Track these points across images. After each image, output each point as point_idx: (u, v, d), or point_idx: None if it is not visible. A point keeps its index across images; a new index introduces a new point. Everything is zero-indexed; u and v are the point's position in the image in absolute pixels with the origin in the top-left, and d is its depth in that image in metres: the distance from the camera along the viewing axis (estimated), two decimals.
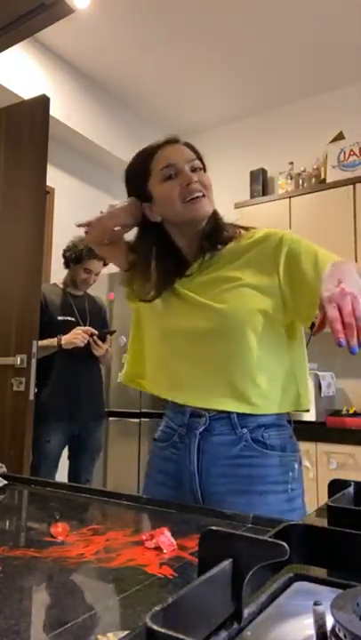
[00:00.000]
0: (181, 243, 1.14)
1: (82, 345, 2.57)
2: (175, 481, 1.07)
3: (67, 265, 2.79)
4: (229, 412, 1.03)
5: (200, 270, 1.11)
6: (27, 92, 3.14)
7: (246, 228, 1.15)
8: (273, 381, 1.05)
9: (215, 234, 1.11)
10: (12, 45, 2.10)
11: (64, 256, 2.78)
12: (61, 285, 2.82)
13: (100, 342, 2.67)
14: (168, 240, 1.14)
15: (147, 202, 1.13)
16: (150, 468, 1.16)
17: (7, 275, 2.64)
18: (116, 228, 1.18)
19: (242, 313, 1.03)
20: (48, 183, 2.81)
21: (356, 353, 0.77)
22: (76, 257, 2.71)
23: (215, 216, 1.12)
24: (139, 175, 1.13)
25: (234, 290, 1.05)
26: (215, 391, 1.04)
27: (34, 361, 2.45)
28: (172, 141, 1.13)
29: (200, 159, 1.14)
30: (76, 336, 2.57)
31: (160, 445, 1.13)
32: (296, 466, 1.06)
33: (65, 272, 2.85)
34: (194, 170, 1.09)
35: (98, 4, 2.95)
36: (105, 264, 2.81)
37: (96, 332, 2.64)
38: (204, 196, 1.07)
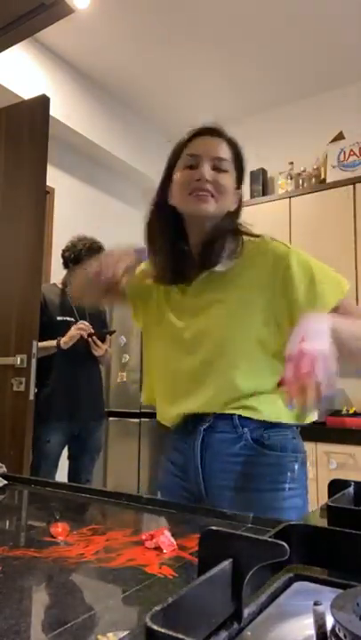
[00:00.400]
0: (191, 238, 1.13)
1: (80, 334, 2.58)
2: (182, 472, 1.11)
3: (66, 265, 2.79)
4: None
5: (199, 290, 1.11)
6: (27, 92, 3.14)
7: (255, 236, 1.12)
8: (276, 400, 1.05)
9: (210, 254, 1.09)
10: (11, 45, 2.11)
11: (63, 256, 2.78)
12: (60, 285, 2.82)
13: (99, 342, 2.67)
14: (183, 231, 1.14)
15: (170, 181, 1.14)
16: (164, 456, 1.19)
17: (7, 275, 2.64)
18: (120, 271, 1.11)
19: (238, 342, 1.04)
20: (48, 183, 2.82)
21: (306, 412, 0.79)
22: (74, 257, 2.71)
23: (220, 230, 1.09)
24: (174, 153, 1.14)
25: (230, 317, 1.06)
26: (215, 409, 1.06)
27: (34, 361, 2.45)
28: (212, 132, 1.12)
29: (238, 160, 1.13)
30: (72, 332, 2.58)
31: (174, 437, 1.16)
32: (296, 466, 1.07)
33: (65, 272, 2.85)
34: (216, 168, 1.07)
35: (98, 4, 2.95)
36: None
37: (92, 330, 2.64)
38: (212, 196, 1.06)
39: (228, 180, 1.09)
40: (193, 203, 1.06)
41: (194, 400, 1.07)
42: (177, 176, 1.11)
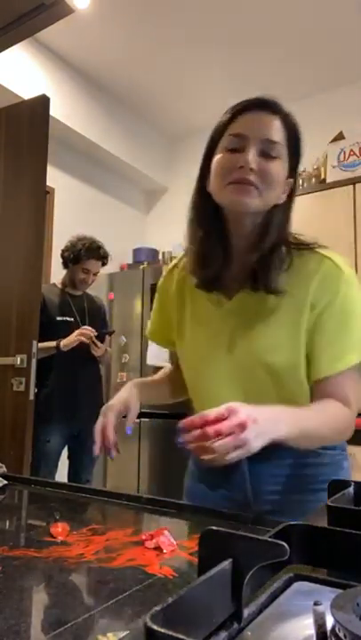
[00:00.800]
0: (233, 238, 0.97)
1: (85, 340, 2.59)
2: (224, 480, 1.04)
3: (65, 265, 2.80)
4: None
5: (239, 306, 0.97)
6: (27, 92, 3.14)
7: (306, 245, 0.95)
8: None
9: (265, 273, 0.91)
10: (12, 45, 2.10)
11: (62, 256, 2.78)
12: (60, 285, 2.82)
13: (98, 342, 2.67)
14: (225, 228, 0.97)
15: (209, 164, 0.95)
16: (192, 461, 1.13)
17: (7, 275, 2.64)
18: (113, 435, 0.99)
19: (292, 371, 0.94)
20: (48, 183, 2.82)
21: (180, 444, 0.73)
22: (74, 257, 2.71)
23: (276, 245, 0.92)
24: (216, 131, 0.95)
25: (281, 344, 0.94)
26: None
27: (34, 361, 2.45)
28: (264, 106, 0.91)
29: (294, 143, 0.93)
30: (74, 337, 2.59)
31: None
32: (345, 464, 1.04)
33: (64, 272, 2.85)
34: (265, 154, 0.89)
35: (98, 4, 2.95)
36: (103, 264, 2.81)
37: (94, 334, 2.64)
38: (255, 187, 0.88)
39: (278, 168, 0.90)
40: (231, 194, 0.89)
41: None
42: (216, 159, 0.92)
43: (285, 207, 0.95)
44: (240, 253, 0.96)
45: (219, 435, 0.70)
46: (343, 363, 0.91)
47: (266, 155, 0.89)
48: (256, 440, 0.73)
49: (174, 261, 1.13)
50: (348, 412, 0.92)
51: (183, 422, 0.73)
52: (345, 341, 0.91)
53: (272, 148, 0.89)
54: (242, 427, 0.71)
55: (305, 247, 0.95)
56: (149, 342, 3.41)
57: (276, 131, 0.90)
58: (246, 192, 0.88)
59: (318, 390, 0.94)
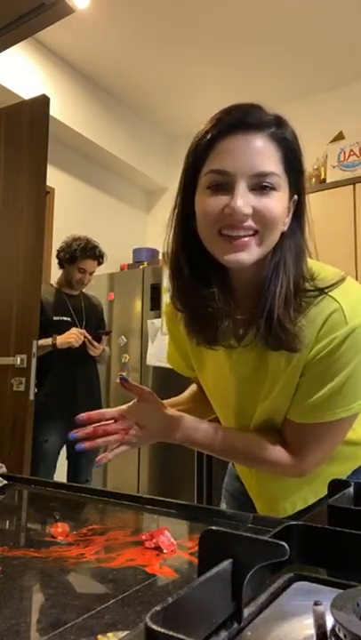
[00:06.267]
0: (233, 279, 0.83)
1: (77, 345, 2.58)
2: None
3: (61, 265, 2.80)
4: None
5: (245, 355, 0.85)
6: (26, 92, 3.14)
7: (322, 290, 0.78)
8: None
9: (276, 336, 0.76)
10: (12, 45, 2.10)
11: (58, 256, 2.79)
12: (57, 286, 2.83)
13: (95, 343, 2.68)
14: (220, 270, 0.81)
15: (190, 203, 0.80)
16: (231, 465, 1.14)
17: (7, 275, 2.64)
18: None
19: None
20: (48, 183, 2.82)
21: (80, 449, 0.88)
22: (69, 257, 2.72)
23: (288, 297, 0.75)
24: (193, 161, 0.79)
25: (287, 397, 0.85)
26: None
27: (34, 361, 2.45)
28: (246, 126, 0.74)
29: (291, 156, 0.76)
30: (71, 335, 2.58)
31: None
32: None
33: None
34: (258, 187, 0.73)
35: (98, 4, 2.95)
36: (99, 263, 2.82)
37: (90, 337, 2.65)
38: (253, 234, 0.74)
39: (276, 202, 0.74)
40: (225, 250, 0.74)
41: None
42: (198, 201, 0.77)
43: (294, 234, 0.81)
44: (245, 296, 0.82)
45: (106, 433, 0.86)
46: (307, 417, 0.82)
47: (259, 188, 0.73)
48: (140, 441, 0.88)
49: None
50: (284, 456, 0.85)
51: (81, 416, 0.89)
52: (318, 397, 0.79)
53: (266, 180, 0.73)
54: (126, 430, 0.86)
55: (321, 292, 0.77)
56: (149, 342, 3.42)
57: (268, 157, 0.74)
58: (242, 246, 0.73)
59: (282, 424, 0.88)
